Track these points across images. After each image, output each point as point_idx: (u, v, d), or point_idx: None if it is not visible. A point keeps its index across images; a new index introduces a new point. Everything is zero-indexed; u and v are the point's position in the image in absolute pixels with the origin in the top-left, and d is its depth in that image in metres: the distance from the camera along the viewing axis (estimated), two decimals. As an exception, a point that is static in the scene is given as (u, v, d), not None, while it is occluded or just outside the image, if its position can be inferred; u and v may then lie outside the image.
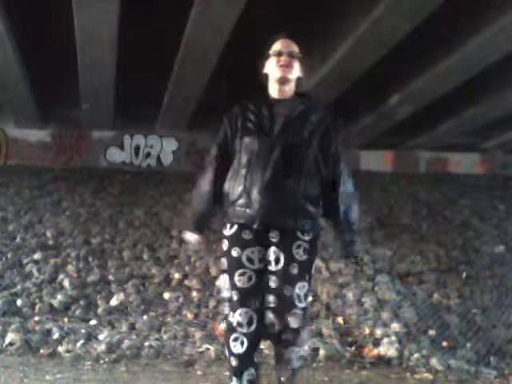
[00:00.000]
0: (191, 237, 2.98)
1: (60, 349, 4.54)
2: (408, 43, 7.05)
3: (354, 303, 5.74)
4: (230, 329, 2.81)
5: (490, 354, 4.97)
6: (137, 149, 11.58)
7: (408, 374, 4.39)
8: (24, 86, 8.74)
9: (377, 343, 4.88)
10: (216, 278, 6.25)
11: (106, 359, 4.37)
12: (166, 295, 5.88)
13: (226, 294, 2.90)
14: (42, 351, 4.49)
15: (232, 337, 2.81)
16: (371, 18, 6.36)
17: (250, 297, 2.77)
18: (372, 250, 7.23)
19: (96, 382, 3.88)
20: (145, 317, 5.34)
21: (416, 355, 4.66)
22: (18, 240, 7.22)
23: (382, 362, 4.61)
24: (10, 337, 4.60)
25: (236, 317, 2.78)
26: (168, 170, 11.30)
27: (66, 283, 5.96)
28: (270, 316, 2.76)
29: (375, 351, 4.75)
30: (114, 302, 5.65)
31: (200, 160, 11.24)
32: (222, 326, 5.00)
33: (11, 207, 8.44)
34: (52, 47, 8.10)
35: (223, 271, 2.93)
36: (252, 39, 6.94)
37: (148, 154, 11.62)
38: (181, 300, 5.77)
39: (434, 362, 4.58)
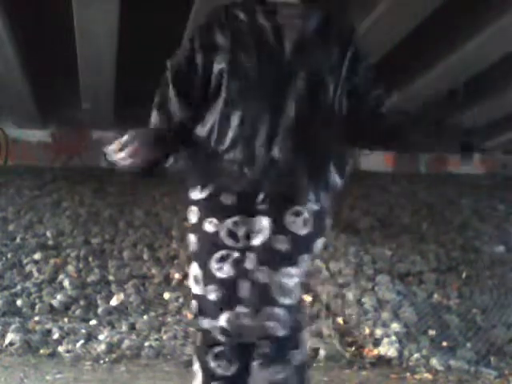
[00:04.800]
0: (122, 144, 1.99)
1: (60, 349, 4.53)
2: (408, 43, 7.04)
3: (354, 303, 5.74)
4: (208, 340, 1.99)
5: (490, 354, 4.96)
6: (137, 149, 11.54)
7: (408, 374, 4.39)
8: (24, 86, 8.72)
9: (377, 343, 4.87)
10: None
11: (106, 359, 4.37)
12: (166, 295, 5.87)
13: (197, 289, 2.04)
14: (41, 351, 4.48)
15: (213, 352, 1.98)
16: (370, 19, 6.36)
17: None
18: (372, 250, 7.21)
19: (96, 381, 3.88)
20: (145, 317, 5.33)
21: (416, 355, 4.65)
22: (18, 240, 7.20)
23: (382, 362, 4.61)
24: (10, 337, 4.59)
25: (221, 321, 1.94)
26: (168, 170, 11.27)
27: (66, 283, 5.95)
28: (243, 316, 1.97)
29: (375, 351, 4.75)
30: (114, 301, 5.64)
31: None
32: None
33: (11, 207, 8.41)
34: (52, 47, 8.09)
35: (192, 256, 2.10)
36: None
37: (148, 154, 11.59)
38: (181, 300, 5.76)
39: (433, 361, 4.57)
